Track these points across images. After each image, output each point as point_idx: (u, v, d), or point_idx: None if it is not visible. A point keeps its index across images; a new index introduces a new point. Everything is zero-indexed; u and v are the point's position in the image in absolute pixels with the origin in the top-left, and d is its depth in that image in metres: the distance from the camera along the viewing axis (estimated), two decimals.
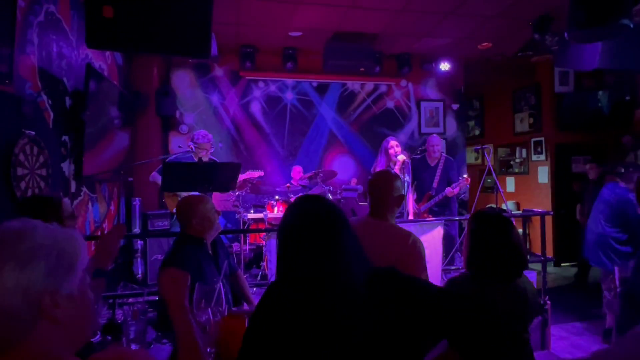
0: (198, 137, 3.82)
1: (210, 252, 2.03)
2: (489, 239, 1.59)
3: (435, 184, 4.38)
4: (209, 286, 1.37)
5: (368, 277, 1.01)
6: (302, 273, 0.98)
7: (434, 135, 4.62)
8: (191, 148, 3.78)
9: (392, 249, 1.80)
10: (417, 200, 4.45)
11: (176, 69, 5.86)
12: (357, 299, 0.96)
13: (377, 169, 4.10)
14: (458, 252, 4.92)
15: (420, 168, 4.44)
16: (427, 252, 2.18)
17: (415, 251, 1.80)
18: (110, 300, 2.90)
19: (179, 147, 3.77)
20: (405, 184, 3.90)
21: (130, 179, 5.19)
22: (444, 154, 4.58)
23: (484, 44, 5.67)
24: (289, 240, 1.03)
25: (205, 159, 3.79)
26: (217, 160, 3.82)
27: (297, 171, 5.65)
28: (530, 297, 1.60)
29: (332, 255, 0.99)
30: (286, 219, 1.08)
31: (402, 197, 1.95)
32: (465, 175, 4.27)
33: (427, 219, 4.11)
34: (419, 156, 4.57)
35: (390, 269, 1.05)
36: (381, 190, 1.93)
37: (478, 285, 1.58)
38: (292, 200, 4.98)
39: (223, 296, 1.38)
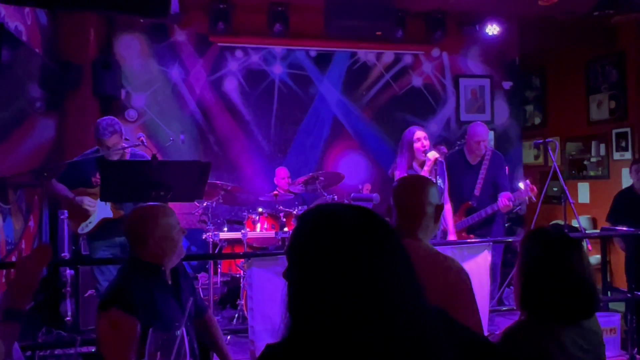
0: (100, 130, 3.56)
1: (170, 284, 2.03)
2: (544, 268, 1.62)
3: (477, 192, 4.36)
4: (168, 333, 1.37)
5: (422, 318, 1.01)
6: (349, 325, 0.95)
7: (479, 123, 4.59)
8: (142, 141, 3.79)
9: (428, 282, 1.78)
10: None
11: (121, 32, 5.89)
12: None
13: (398, 171, 4.11)
14: (510, 287, 4.93)
15: (456, 168, 4.40)
16: None
17: (462, 285, 1.80)
18: (29, 353, 2.89)
19: (126, 139, 3.77)
20: (439, 192, 3.89)
21: None
22: (490, 148, 4.57)
23: None
24: (324, 270, 0.98)
25: (116, 156, 3.68)
26: (166, 158, 3.72)
27: (281, 175, 5.65)
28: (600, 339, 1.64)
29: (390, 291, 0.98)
30: (312, 237, 1.04)
31: (440, 210, 1.95)
32: (527, 181, 4.21)
33: (467, 240, 4.10)
34: (455, 150, 4.56)
35: (442, 313, 1.05)
36: (411, 199, 1.93)
37: (542, 333, 1.59)
38: (281, 214, 5.01)
39: (187, 346, 1.38)
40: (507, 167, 4.62)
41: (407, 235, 1.92)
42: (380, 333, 0.95)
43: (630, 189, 5.08)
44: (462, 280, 1.82)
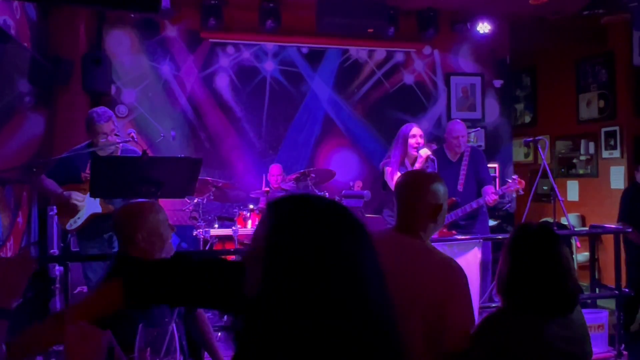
0: (95, 116, 3.57)
1: None
2: (525, 259, 1.69)
3: (460, 187, 4.40)
4: (157, 329, 1.37)
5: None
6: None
7: (457, 120, 4.64)
8: (132, 137, 3.76)
9: (427, 279, 1.81)
10: None
11: (112, 27, 5.84)
12: None
13: (390, 167, 4.11)
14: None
15: (438, 165, 4.43)
16: None
17: (460, 283, 1.82)
18: None
19: (116, 134, 3.74)
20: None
21: None
22: (469, 145, 4.60)
23: None
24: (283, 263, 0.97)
25: (108, 151, 3.66)
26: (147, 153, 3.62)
27: (275, 172, 5.64)
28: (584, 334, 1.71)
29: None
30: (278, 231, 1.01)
31: (440, 208, 1.93)
32: (515, 177, 4.27)
33: (457, 237, 4.12)
34: (434, 148, 4.58)
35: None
36: (413, 195, 1.94)
37: (519, 322, 1.63)
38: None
39: (177, 342, 1.38)
40: (485, 159, 4.65)
41: (406, 231, 1.94)
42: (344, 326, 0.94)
43: (634, 184, 5.17)
44: (461, 278, 1.83)
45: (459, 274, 1.84)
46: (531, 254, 1.68)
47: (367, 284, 0.98)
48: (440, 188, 1.94)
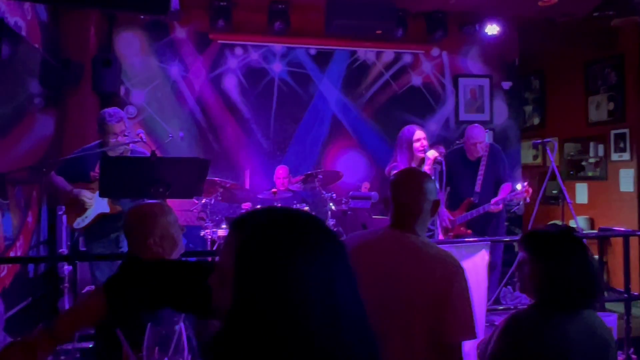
0: (107, 117, 3.63)
1: None
2: (561, 260, 1.73)
3: (478, 188, 4.39)
4: (166, 328, 1.37)
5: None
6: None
7: (476, 125, 4.62)
8: (141, 138, 3.79)
9: (424, 275, 1.82)
10: (451, 208, 4.47)
11: (121, 29, 5.88)
12: None
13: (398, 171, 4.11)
14: (508, 287, 4.94)
15: (455, 165, 4.42)
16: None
17: (459, 279, 1.83)
18: None
19: (125, 135, 3.77)
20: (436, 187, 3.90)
21: None
22: (487, 143, 4.60)
23: None
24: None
25: (118, 151, 3.70)
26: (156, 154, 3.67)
27: (281, 173, 5.65)
28: (609, 340, 1.72)
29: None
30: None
31: (437, 204, 2.00)
32: (525, 184, 4.27)
33: (465, 238, 4.12)
34: (455, 148, 4.58)
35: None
36: (409, 192, 1.97)
37: (545, 321, 1.68)
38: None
39: (185, 342, 1.38)
40: (506, 159, 4.66)
41: (401, 227, 1.97)
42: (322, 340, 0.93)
43: None
44: (460, 274, 1.85)
45: (456, 267, 1.86)
46: (566, 255, 1.73)
47: (340, 295, 0.97)
48: (432, 185, 2.01)
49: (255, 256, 0.96)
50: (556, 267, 1.72)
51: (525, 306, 1.84)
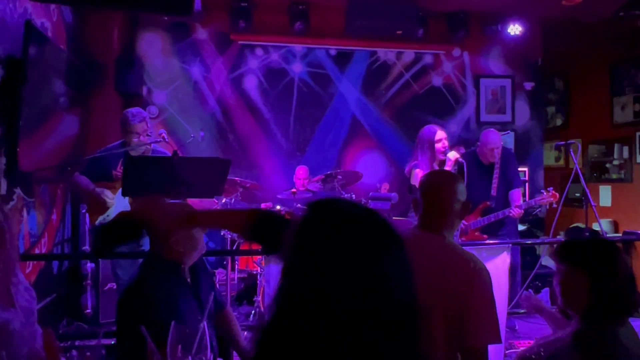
0: (130, 117, 3.72)
1: (189, 280, 2.05)
2: (599, 274, 1.69)
3: (494, 191, 4.35)
4: (189, 326, 1.39)
5: None
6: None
7: (492, 130, 4.56)
8: (163, 137, 3.83)
9: (447, 276, 1.83)
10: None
11: (144, 30, 5.95)
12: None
13: (419, 170, 4.09)
14: (529, 290, 4.87)
15: (469, 169, 4.38)
16: None
17: (480, 282, 1.84)
18: None
19: (148, 135, 3.82)
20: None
21: None
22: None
23: None
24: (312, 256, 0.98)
25: (140, 150, 3.75)
26: (179, 154, 3.73)
27: (301, 174, 5.66)
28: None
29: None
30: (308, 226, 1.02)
31: (467, 207, 2.00)
32: (550, 189, 4.22)
33: (485, 241, 4.08)
34: (467, 151, 4.54)
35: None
36: (439, 193, 1.97)
37: (603, 335, 1.65)
38: (299, 212, 5.02)
39: (208, 341, 1.40)
40: (515, 160, 4.64)
41: (429, 229, 1.97)
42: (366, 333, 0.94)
43: None
44: (482, 279, 1.85)
45: (481, 271, 1.86)
46: (611, 265, 1.70)
47: (388, 289, 0.98)
48: (462, 187, 2.01)
49: (302, 240, 1.00)
50: (604, 277, 1.69)
51: (565, 317, 1.82)
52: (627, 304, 1.69)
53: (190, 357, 1.35)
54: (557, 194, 4.17)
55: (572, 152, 4.36)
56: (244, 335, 3.98)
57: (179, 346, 1.37)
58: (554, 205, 4.24)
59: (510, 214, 4.22)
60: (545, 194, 4.20)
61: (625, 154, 6.70)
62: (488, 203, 4.32)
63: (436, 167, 4.10)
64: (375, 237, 1.00)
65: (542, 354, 1.72)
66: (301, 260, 0.99)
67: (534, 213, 6.25)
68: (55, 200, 4.68)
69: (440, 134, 4.05)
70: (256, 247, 5.14)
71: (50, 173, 4.29)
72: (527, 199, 5.43)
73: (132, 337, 1.53)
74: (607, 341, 1.64)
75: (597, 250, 1.74)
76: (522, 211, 4.26)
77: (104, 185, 3.76)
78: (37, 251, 4.15)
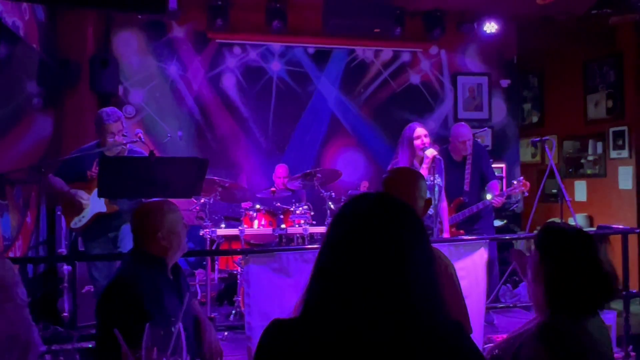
0: (104, 116, 3.64)
1: (171, 279, 2.05)
2: (572, 265, 1.69)
3: (467, 187, 4.41)
4: (164, 328, 1.37)
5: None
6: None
7: (462, 124, 4.63)
8: (139, 137, 3.78)
9: None
10: None
11: (119, 29, 5.87)
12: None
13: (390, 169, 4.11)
14: (507, 285, 4.94)
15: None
16: (465, 284, 2.20)
17: (448, 279, 1.87)
18: None
19: (124, 135, 3.77)
20: (437, 188, 3.91)
21: None
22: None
23: None
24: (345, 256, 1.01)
25: (115, 151, 3.70)
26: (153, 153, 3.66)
27: (281, 172, 5.64)
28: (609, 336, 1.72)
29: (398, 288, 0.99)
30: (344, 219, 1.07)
31: (429, 203, 2.03)
32: (521, 178, 4.30)
33: (463, 237, 4.12)
34: (440, 148, 4.59)
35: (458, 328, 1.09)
36: (401, 191, 1.97)
37: (572, 326, 1.64)
38: (278, 211, 5.01)
39: (184, 342, 1.38)
40: (488, 156, 4.71)
41: None
42: (392, 323, 0.97)
43: None
44: (449, 274, 1.89)
45: (447, 267, 1.90)
46: (576, 261, 1.69)
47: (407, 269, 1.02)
48: (425, 185, 2.05)
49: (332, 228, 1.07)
50: (573, 266, 1.70)
51: (529, 305, 1.83)
52: (596, 296, 1.68)
53: (165, 359, 1.33)
54: (528, 183, 4.26)
55: (547, 149, 4.43)
56: (224, 335, 3.96)
57: (155, 348, 1.36)
58: (526, 194, 4.33)
59: (492, 204, 4.28)
60: (515, 183, 4.27)
61: (599, 150, 6.83)
62: (462, 198, 4.38)
63: (417, 164, 4.12)
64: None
65: (508, 348, 1.73)
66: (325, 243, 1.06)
67: (511, 209, 6.33)
68: (30, 203, 4.59)
69: (420, 130, 4.07)
70: (237, 246, 5.12)
71: (24, 175, 4.22)
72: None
73: (108, 341, 1.52)
74: (573, 332, 1.64)
75: (568, 239, 1.73)
76: (504, 199, 4.34)
77: (79, 186, 3.70)
78: (11, 255, 4.07)
